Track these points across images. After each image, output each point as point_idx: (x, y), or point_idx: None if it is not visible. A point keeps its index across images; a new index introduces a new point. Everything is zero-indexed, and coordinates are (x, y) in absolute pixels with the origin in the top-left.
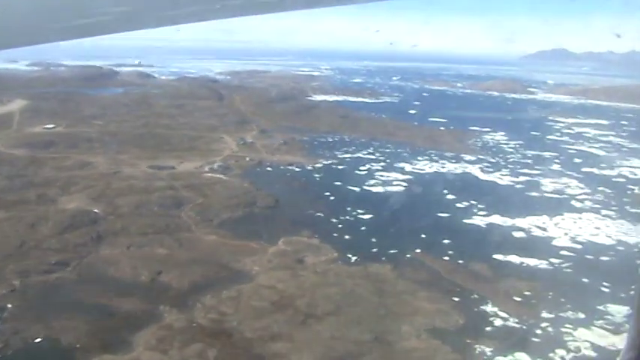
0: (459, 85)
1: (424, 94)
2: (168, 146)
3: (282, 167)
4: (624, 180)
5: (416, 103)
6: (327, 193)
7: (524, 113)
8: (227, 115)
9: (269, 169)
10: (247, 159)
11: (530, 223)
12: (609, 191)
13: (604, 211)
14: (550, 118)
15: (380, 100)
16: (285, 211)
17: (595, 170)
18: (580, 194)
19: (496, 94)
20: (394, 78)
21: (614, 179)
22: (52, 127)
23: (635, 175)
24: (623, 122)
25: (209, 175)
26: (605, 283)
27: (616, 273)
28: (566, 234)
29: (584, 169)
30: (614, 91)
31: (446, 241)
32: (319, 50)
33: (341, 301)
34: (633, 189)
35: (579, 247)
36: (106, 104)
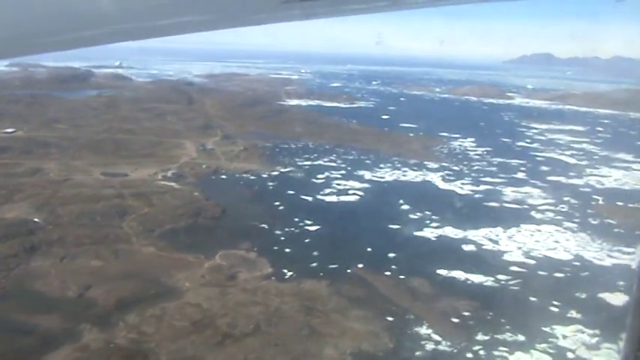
0: (437, 89)
1: (401, 98)
2: (127, 152)
3: (237, 175)
4: (590, 190)
5: (391, 108)
6: (277, 203)
7: (498, 119)
8: (194, 119)
9: (224, 177)
10: (204, 166)
11: (483, 236)
12: (574, 202)
13: (566, 224)
14: (524, 123)
15: (355, 105)
16: (230, 222)
17: (562, 179)
18: (542, 205)
19: (473, 99)
20: (374, 82)
21: (580, 189)
22: (12, 132)
23: (603, 184)
24: (599, 129)
25: (162, 182)
26: (554, 302)
27: (568, 291)
28: (519, 248)
29: (550, 178)
30: (594, 96)
31: (391, 255)
32: (304, 53)
33: (264, 321)
34: (598, 200)
35: (532, 262)
36: (74, 107)
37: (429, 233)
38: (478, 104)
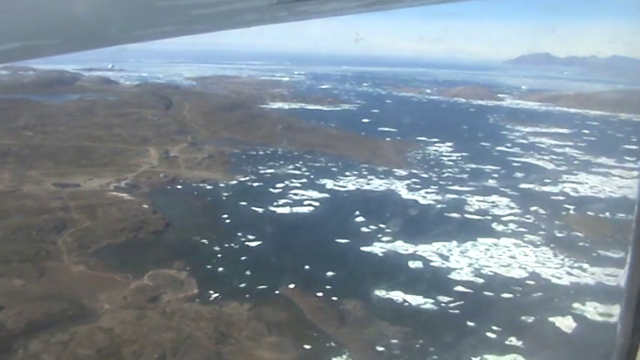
0: (428, 91)
1: (388, 100)
2: (88, 161)
3: (194, 185)
4: (563, 198)
5: (374, 111)
6: (226, 216)
7: (482, 121)
8: (168, 125)
9: (180, 186)
10: (162, 175)
11: (434, 251)
12: (542, 212)
13: (528, 237)
14: (508, 126)
15: (338, 108)
16: (171, 237)
17: (534, 187)
18: (507, 215)
19: (463, 100)
20: (365, 84)
21: (552, 197)
22: None
23: (577, 192)
24: (585, 131)
25: (113, 193)
26: (493, 328)
27: (514, 314)
28: (470, 265)
29: (522, 186)
30: (586, 97)
31: (329, 274)
32: (302, 54)
33: (170, 350)
34: (569, 209)
35: (480, 281)
36: (49, 113)
37: (377, 248)
38: (466, 106)
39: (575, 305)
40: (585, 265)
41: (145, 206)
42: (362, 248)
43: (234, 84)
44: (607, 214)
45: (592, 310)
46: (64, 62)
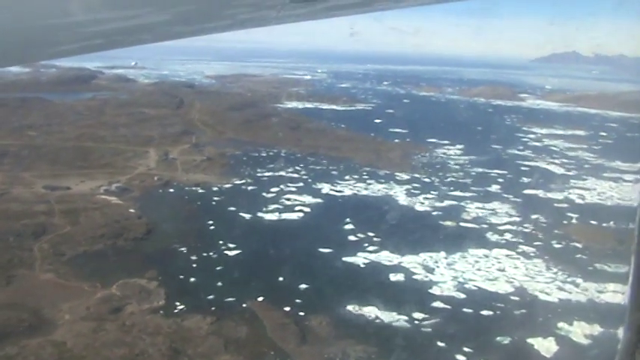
0: (449, 90)
1: (405, 100)
2: (85, 162)
3: (187, 188)
4: (567, 206)
5: (389, 111)
6: (211, 222)
7: (499, 123)
8: (174, 125)
9: (172, 190)
10: (156, 178)
11: (419, 263)
12: (542, 220)
13: (522, 247)
14: (524, 128)
15: (352, 108)
16: (150, 244)
17: (539, 193)
18: (504, 224)
19: (482, 100)
20: (385, 83)
21: (556, 205)
22: None
23: (583, 199)
24: (603, 133)
25: (102, 197)
26: (465, 349)
27: (487, 334)
28: (455, 278)
29: (526, 192)
30: (609, 97)
31: (302, 286)
32: (328, 52)
33: None
34: (572, 218)
35: (462, 296)
36: (57, 112)
37: (360, 259)
38: (484, 107)
39: (561, 325)
40: (579, 280)
41: (132, 211)
42: (344, 259)
43: (253, 82)
44: (611, 223)
45: (578, 331)
46: (87, 60)
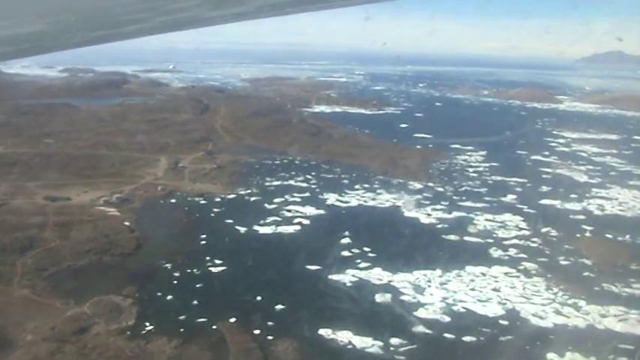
0: (485, 92)
1: (437, 103)
2: (93, 171)
3: (189, 199)
4: (583, 218)
5: (418, 114)
6: (204, 236)
7: (529, 126)
8: (194, 131)
9: (173, 200)
10: (159, 188)
11: (411, 281)
12: (553, 234)
13: (525, 264)
14: (555, 132)
15: (381, 112)
16: (136, 259)
17: (557, 203)
18: (510, 238)
19: (517, 103)
20: (421, 85)
21: (572, 216)
22: None
23: (602, 210)
24: (636, 137)
25: (100, 208)
26: None
27: None
28: (444, 299)
29: (543, 202)
30: None
31: (279, 307)
32: (369, 53)
33: None
34: (586, 230)
35: (447, 320)
36: (80, 119)
37: (348, 277)
38: (518, 109)
39: (550, 356)
40: (581, 302)
41: (127, 224)
42: (330, 277)
43: (287, 85)
44: (627, 237)
45: None
46: (126, 63)
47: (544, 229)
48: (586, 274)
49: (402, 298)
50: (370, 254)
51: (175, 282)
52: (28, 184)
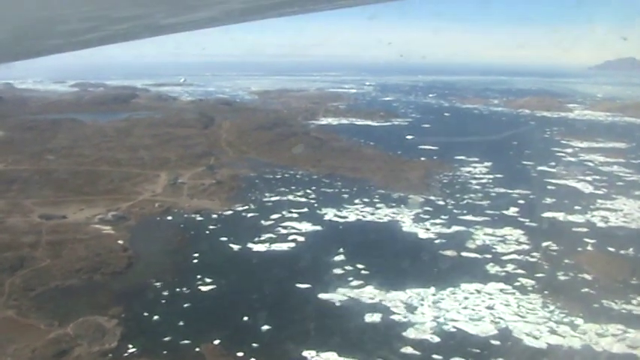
0: (495, 102)
1: (446, 114)
2: (92, 188)
3: (185, 215)
4: (586, 230)
5: (425, 125)
6: (197, 254)
7: (537, 136)
8: (196, 146)
9: (170, 217)
10: (157, 205)
11: (403, 300)
12: (553, 248)
13: (522, 280)
14: (563, 141)
15: (388, 123)
16: (126, 278)
17: (559, 216)
18: (509, 253)
19: (527, 112)
20: (431, 95)
21: (574, 229)
22: None
23: (606, 222)
24: None
25: (95, 226)
26: None
27: None
28: (436, 318)
29: (545, 215)
30: None
31: (264, 328)
32: (381, 64)
33: None
34: (588, 244)
35: (436, 340)
36: (84, 134)
37: (339, 296)
38: (527, 118)
39: None
40: (578, 321)
41: (120, 242)
42: (320, 295)
43: (295, 97)
44: (630, 250)
45: None
46: (136, 77)
47: (545, 243)
48: (585, 290)
49: (392, 317)
50: (363, 272)
51: (163, 301)
52: (26, 201)
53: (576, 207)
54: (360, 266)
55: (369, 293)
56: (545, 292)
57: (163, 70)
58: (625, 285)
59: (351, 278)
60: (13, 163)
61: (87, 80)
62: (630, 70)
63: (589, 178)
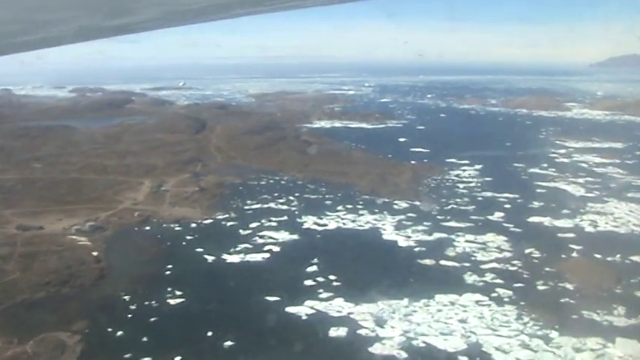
0: (492, 101)
1: (442, 115)
2: (74, 197)
3: (164, 225)
4: (573, 236)
5: (420, 127)
6: (170, 266)
7: (531, 137)
8: (185, 152)
9: (148, 227)
10: (136, 214)
11: (373, 312)
12: (537, 255)
13: (499, 291)
14: (558, 141)
15: (382, 125)
16: (95, 291)
17: (545, 221)
18: (489, 261)
19: (524, 111)
20: (429, 95)
21: (560, 234)
22: None
23: (595, 227)
24: None
25: (71, 237)
26: None
27: None
28: (405, 332)
29: (531, 219)
30: None
31: (227, 344)
32: (384, 64)
33: None
34: (573, 250)
35: (403, 356)
36: (74, 141)
37: (306, 309)
38: (523, 118)
39: None
40: (553, 334)
41: (95, 253)
42: (287, 309)
43: (291, 100)
44: (617, 256)
45: None
46: (136, 81)
47: (527, 250)
48: (564, 300)
49: (359, 331)
50: (335, 283)
51: (130, 315)
52: (5, 211)
53: (565, 211)
54: (332, 277)
55: (337, 306)
56: (522, 303)
57: (165, 74)
58: (609, 294)
59: (321, 290)
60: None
61: (86, 85)
62: (633, 66)
63: (581, 180)
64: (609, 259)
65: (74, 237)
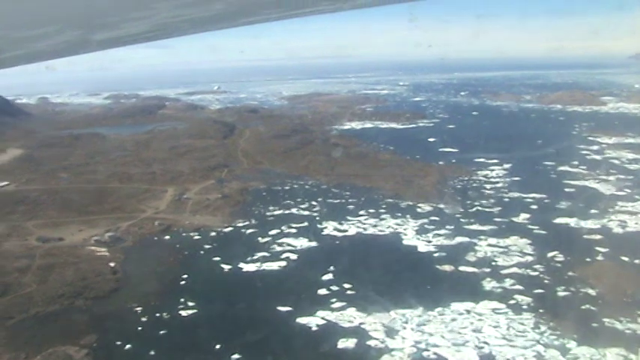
0: (527, 97)
1: (474, 112)
2: (97, 207)
3: (184, 234)
4: (600, 238)
5: (450, 126)
6: (186, 275)
7: (565, 133)
8: (212, 157)
9: (168, 237)
10: (157, 223)
11: (385, 323)
12: (558, 259)
13: (517, 298)
14: (591, 137)
15: (413, 125)
16: (109, 303)
17: (572, 222)
18: (510, 266)
19: (558, 107)
20: (462, 93)
21: (586, 236)
22: (4, 185)
23: (624, 227)
24: None
25: (90, 248)
26: None
27: None
28: (417, 343)
29: (557, 221)
30: None
31: (234, 357)
32: (418, 62)
33: None
34: (599, 253)
35: None
36: (103, 149)
37: (317, 319)
38: (557, 114)
39: None
40: (571, 344)
41: (112, 264)
42: (298, 319)
43: (323, 102)
44: None
45: None
46: (171, 86)
47: (550, 254)
48: (585, 307)
49: (369, 342)
50: (349, 292)
51: (140, 328)
52: (28, 223)
53: (593, 211)
54: (346, 286)
55: (349, 316)
56: (540, 310)
57: (199, 78)
58: (634, 300)
59: (334, 299)
60: (26, 183)
61: (121, 92)
62: None
63: (612, 178)
64: (637, 261)
65: (93, 248)
